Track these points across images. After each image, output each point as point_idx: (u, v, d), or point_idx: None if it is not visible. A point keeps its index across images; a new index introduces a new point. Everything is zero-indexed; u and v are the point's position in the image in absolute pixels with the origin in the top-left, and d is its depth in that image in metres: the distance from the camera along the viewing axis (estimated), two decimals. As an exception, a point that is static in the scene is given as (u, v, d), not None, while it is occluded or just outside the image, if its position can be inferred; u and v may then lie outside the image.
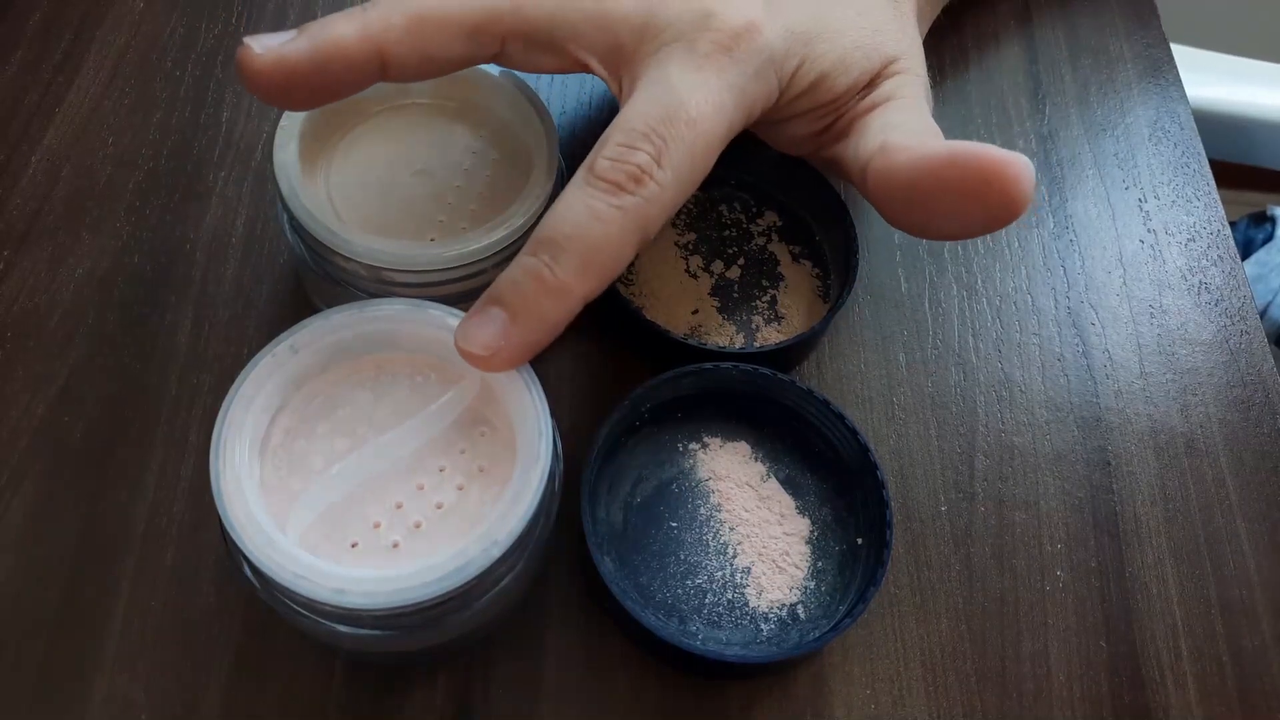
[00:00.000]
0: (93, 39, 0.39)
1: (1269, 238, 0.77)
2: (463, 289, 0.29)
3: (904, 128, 0.29)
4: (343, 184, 0.31)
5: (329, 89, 0.26)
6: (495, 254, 0.28)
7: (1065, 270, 0.39)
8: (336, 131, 0.31)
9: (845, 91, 0.30)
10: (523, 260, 0.25)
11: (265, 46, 0.25)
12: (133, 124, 0.37)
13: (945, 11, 0.40)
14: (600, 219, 0.25)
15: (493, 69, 0.31)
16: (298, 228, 0.28)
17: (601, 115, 0.40)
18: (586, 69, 0.28)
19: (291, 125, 0.29)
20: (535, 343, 0.25)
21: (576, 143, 0.38)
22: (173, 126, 0.37)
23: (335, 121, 0.31)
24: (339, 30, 0.25)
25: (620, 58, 0.27)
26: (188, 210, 0.35)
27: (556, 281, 0.25)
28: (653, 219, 0.26)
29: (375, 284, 0.29)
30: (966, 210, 0.26)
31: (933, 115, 0.30)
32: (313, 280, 0.31)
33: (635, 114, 0.26)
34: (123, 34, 0.39)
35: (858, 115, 0.30)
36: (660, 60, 0.27)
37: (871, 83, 0.30)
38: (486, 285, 0.29)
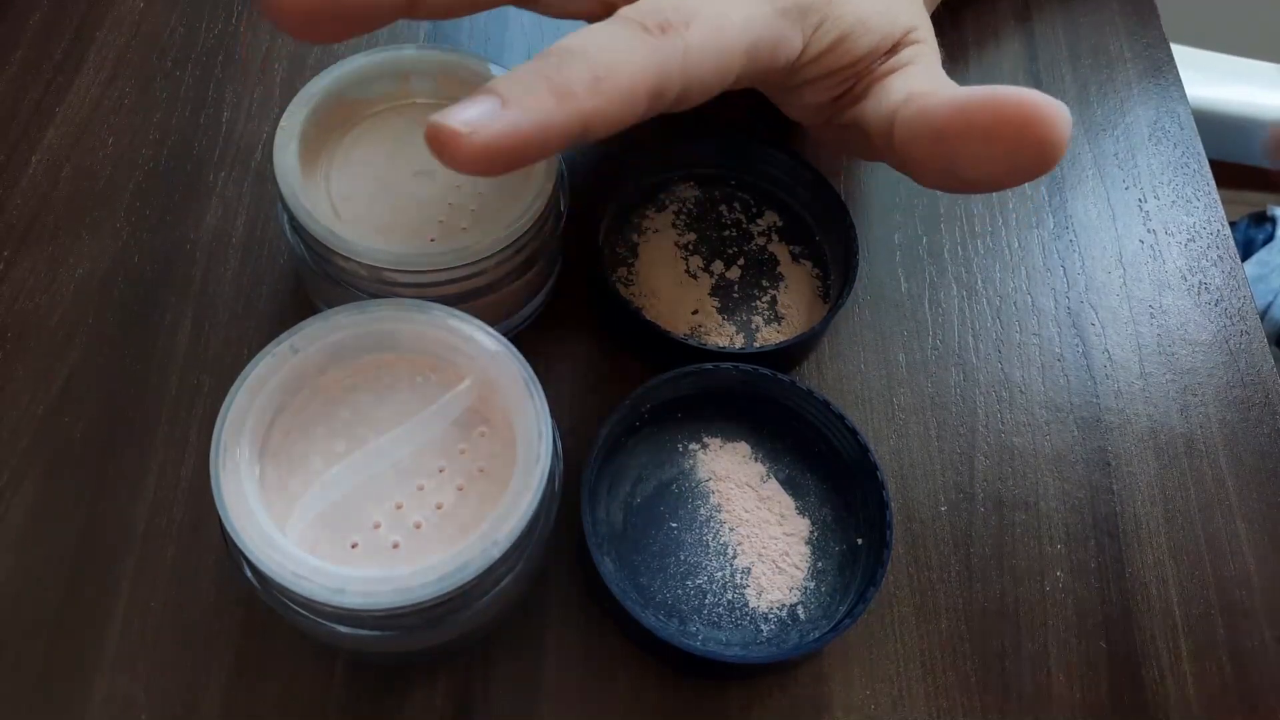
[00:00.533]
0: (93, 39, 0.39)
1: (1269, 238, 0.77)
2: (462, 289, 0.29)
3: (929, 82, 0.28)
4: (343, 184, 0.31)
5: (355, 18, 0.25)
6: (495, 254, 0.28)
7: (1065, 270, 0.39)
8: (337, 131, 0.31)
9: (866, 54, 0.29)
10: (527, 64, 0.23)
11: None
12: (133, 124, 0.37)
13: (946, 7, 0.40)
14: (620, 42, 0.24)
15: (495, 68, 0.31)
16: (298, 228, 0.28)
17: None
18: (613, 10, 0.28)
19: (292, 125, 0.29)
20: (520, 137, 0.22)
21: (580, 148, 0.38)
22: (173, 126, 0.37)
23: (336, 121, 0.31)
24: None
25: None
26: (188, 210, 0.35)
27: (562, 80, 0.22)
28: (671, 73, 0.24)
29: (375, 284, 0.29)
30: (998, 155, 0.25)
31: None
32: (313, 280, 0.31)
33: None
34: (123, 34, 0.39)
35: (877, 78, 0.30)
36: None
37: (892, 49, 0.30)
38: (487, 286, 0.29)
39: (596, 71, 0.23)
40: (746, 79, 0.28)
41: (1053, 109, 0.24)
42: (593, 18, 0.28)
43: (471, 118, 0.21)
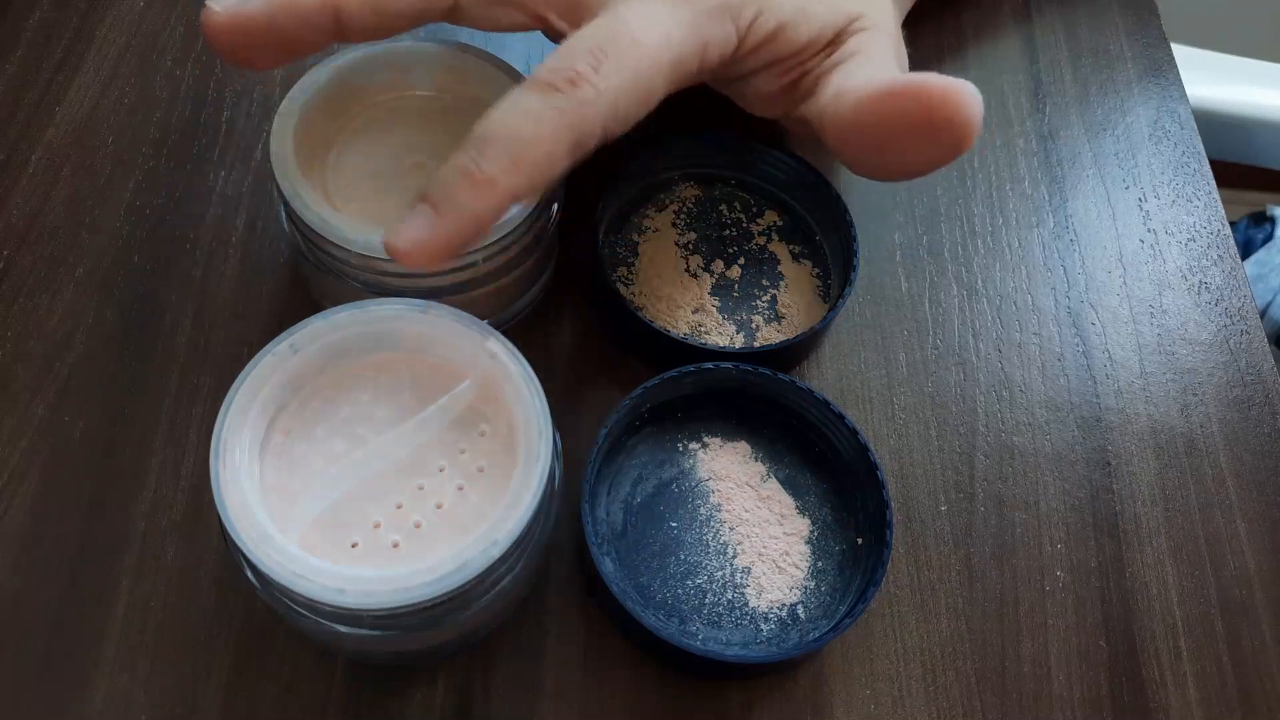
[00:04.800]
0: (93, 39, 0.39)
1: (1269, 238, 0.77)
2: (454, 280, 0.29)
3: (861, 76, 0.29)
4: (340, 174, 0.31)
5: (286, 46, 0.27)
6: (488, 245, 0.28)
7: (1065, 270, 0.39)
8: (336, 122, 0.31)
9: (807, 45, 0.30)
10: (453, 158, 0.25)
11: (225, 5, 0.26)
12: (132, 124, 0.37)
13: (946, 4, 0.40)
14: (532, 117, 0.25)
15: (493, 62, 0.31)
16: (292, 215, 0.28)
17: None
18: (546, 23, 0.29)
19: (290, 111, 0.29)
20: (460, 236, 0.25)
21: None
22: (172, 126, 0.37)
23: (335, 111, 0.31)
24: None
25: (579, 10, 0.28)
26: (188, 210, 0.35)
27: (482, 175, 0.24)
28: (588, 124, 0.25)
29: (367, 274, 0.29)
30: (914, 143, 0.26)
31: None
32: (308, 271, 0.31)
33: (581, 33, 0.26)
34: (123, 34, 0.39)
35: (824, 73, 0.30)
36: (615, 2, 0.27)
37: (836, 39, 0.30)
38: (480, 278, 0.30)
39: (511, 153, 0.25)
40: (680, 87, 0.28)
41: (957, 93, 0.25)
42: (524, 29, 0.29)
43: (414, 235, 0.24)
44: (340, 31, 0.27)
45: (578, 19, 0.28)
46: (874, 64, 0.29)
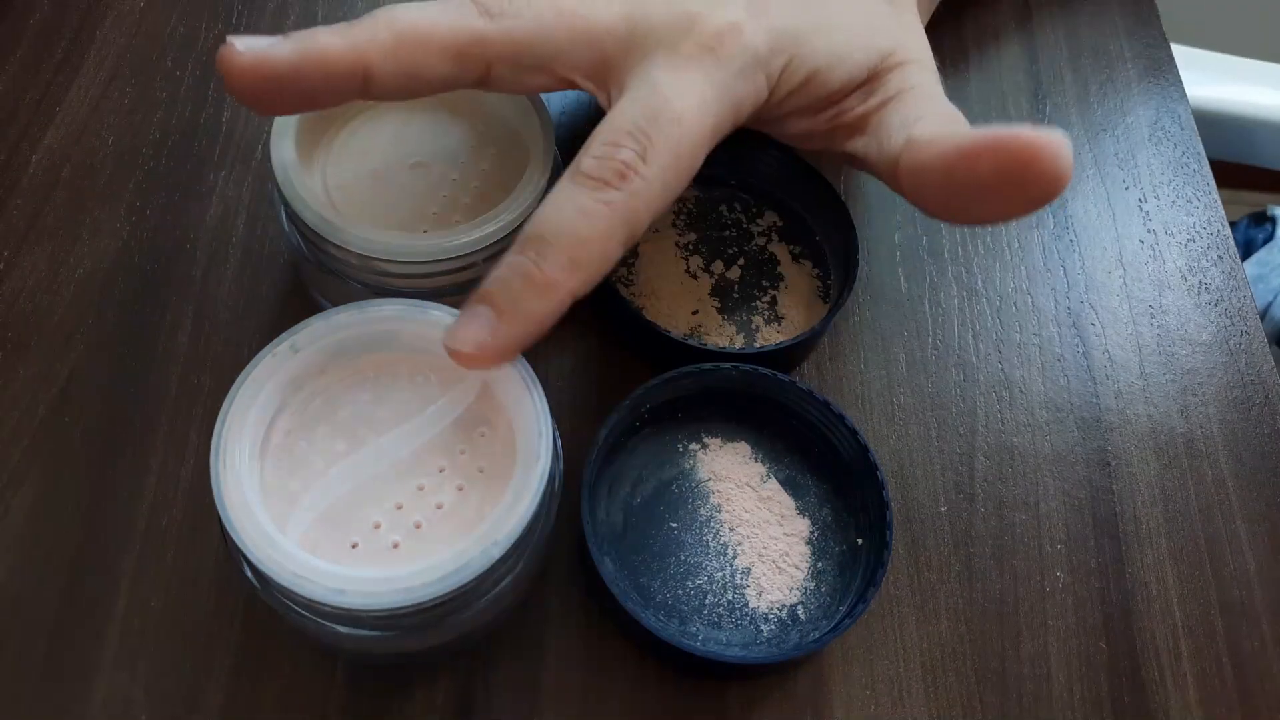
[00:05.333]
0: (93, 39, 0.39)
1: (1269, 238, 0.77)
2: (454, 281, 0.29)
3: (927, 118, 0.28)
4: (340, 174, 0.31)
5: (308, 97, 0.26)
6: (486, 247, 0.28)
7: (1065, 270, 0.39)
8: (336, 122, 0.32)
9: (841, 87, 0.29)
10: (510, 258, 0.25)
11: (248, 46, 0.24)
12: (133, 124, 0.37)
13: (947, 8, 0.40)
14: (587, 215, 0.25)
15: None
16: (293, 216, 0.28)
17: (599, 113, 0.40)
18: (575, 86, 0.28)
19: (289, 115, 0.29)
20: (522, 338, 0.25)
21: (575, 140, 0.38)
22: (173, 126, 0.37)
23: (335, 112, 0.31)
24: (325, 39, 0.25)
25: (607, 71, 0.28)
26: (188, 210, 0.35)
27: (543, 278, 0.25)
28: (639, 215, 0.26)
29: (367, 274, 0.29)
30: (1006, 195, 0.26)
31: None
32: (308, 271, 0.31)
33: (620, 114, 0.26)
34: (123, 34, 0.39)
35: (871, 111, 0.30)
36: (645, 67, 0.27)
37: (874, 78, 0.30)
38: (477, 279, 0.30)
39: (571, 253, 0.25)
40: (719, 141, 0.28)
41: (1052, 146, 0.24)
42: (552, 91, 0.29)
43: (477, 338, 0.24)
44: (365, 90, 0.26)
45: (605, 83, 0.28)
46: (932, 103, 0.29)
